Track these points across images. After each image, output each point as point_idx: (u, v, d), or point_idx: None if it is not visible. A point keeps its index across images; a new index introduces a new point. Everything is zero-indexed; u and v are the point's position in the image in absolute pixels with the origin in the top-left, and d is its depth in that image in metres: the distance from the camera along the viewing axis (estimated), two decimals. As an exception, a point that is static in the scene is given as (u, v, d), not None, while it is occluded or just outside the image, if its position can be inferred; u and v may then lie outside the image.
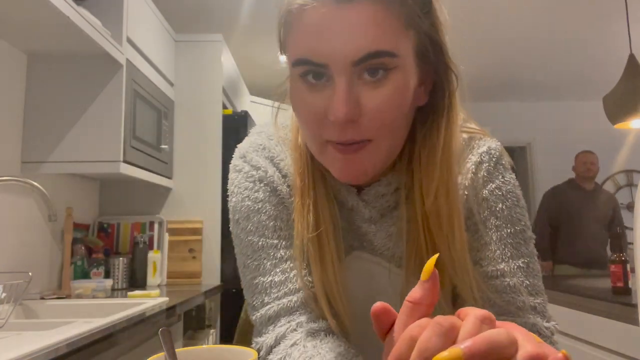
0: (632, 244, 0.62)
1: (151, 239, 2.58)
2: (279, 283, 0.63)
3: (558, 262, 3.66)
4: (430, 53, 0.57)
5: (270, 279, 0.63)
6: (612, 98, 2.58)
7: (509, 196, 0.65)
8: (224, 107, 2.91)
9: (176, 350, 0.45)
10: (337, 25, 0.51)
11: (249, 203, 0.66)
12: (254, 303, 0.64)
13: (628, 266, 1.95)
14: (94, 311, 1.73)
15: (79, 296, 1.91)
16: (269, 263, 0.63)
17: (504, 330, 0.32)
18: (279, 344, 0.60)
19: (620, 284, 1.94)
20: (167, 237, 2.61)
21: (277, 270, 0.63)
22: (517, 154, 5.69)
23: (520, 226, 0.65)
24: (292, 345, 0.59)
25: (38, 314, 1.75)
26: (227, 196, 0.70)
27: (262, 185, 0.66)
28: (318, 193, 0.63)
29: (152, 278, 2.40)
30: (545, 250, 3.64)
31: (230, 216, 0.69)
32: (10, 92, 1.86)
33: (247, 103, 3.88)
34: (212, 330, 2.49)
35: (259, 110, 3.99)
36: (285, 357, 0.58)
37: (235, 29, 3.46)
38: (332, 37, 0.51)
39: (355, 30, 0.50)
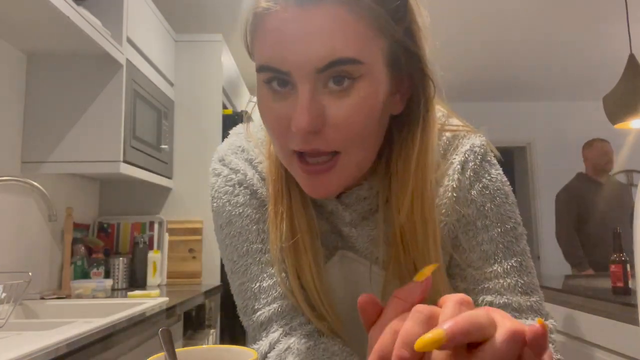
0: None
1: (151, 239, 2.58)
2: (267, 288, 0.62)
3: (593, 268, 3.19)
4: (402, 60, 0.54)
5: (258, 284, 0.62)
6: (612, 98, 2.58)
7: (496, 194, 0.64)
8: (224, 107, 2.91)
9: (176, 350, 0.45)
10: (300, 31, 0.48)
11: (230, 208, 0.65)
12: (245, 309, 0.64)
13: (628, 266, 1.95)
14: (94, 311, 1.73)
15: (79, 296, 1.91)
16: (255, 268, 0.63)
17: (483, 311, 0.33)
18: (273, 348, 0.59)
19: (620, 284, 1.94)
20: (167, 237, 2.60)
21: (265, 275, 0.62)
22: (517, 154, 5.69)
23: (511, 224, 0.64)
24: (285, 350, 0.58)
25: (38, 314, 1.75)
26: None
27: (242, 188, 0.65)
28: (293, 200, 0.61)
29: (152, 278, 2.40)
30: (580, 258, 3.21)
31: (214, 222, 0.68)
32: (10, 92, 1.86)
33: (247, 103, 3.88)
34: (212, 330, 2.49)
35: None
36: None
37: (235, 29, 3.44)
38: (295, 43, 0.49)
39: (318, 36, 0.48)
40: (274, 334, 0.60)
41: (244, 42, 0.57)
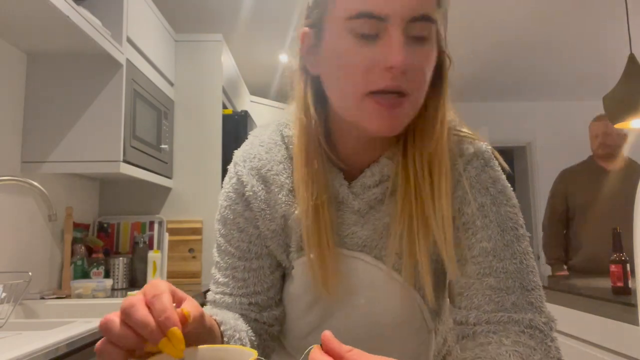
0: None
1: (151, 238, 2.58)
2: (221, 284, 0.73)
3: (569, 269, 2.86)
4: (440, 34, 0.64)
5: (218, 275, 0.74)
6: (612, 98, 2.58)
7: (498, 196, 0.67)
8: (224, 107, 2.91)
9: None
10: None
11: (228, 212, 0.74)
12: (210, 282, 0.77)
13: (628, 266, 1.95)
14: (94, 311, 1.73)
15: (79, 296, 1.91)
16: (223, 264, 0.74)
17: None
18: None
19: (620, 284, 1.93)
20: (167, 237, 2.60)
21: (226, 272, 0.73)
22: (517, 154, 5.69)
23: (511, 224, 0.66)
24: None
25: (38, 314, 1.75)
26: None
27: (242, 200, 0.73)
28: (319, 168, 0.68)
29: (152, 278, 2.40)
30: (555, 257, 2.85)
31: (217, 211, 0.77)
32: (10, 92, 1.86)
33: (247, 103, 3.88)
34: (212, 330, 2.49)
35: (259, 110, 4.00)
36: None
37: (235, 29, 3.46)
38: None
39: None
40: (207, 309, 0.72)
41: None
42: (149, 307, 0.44)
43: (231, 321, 0.64)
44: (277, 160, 0.72)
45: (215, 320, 0.61)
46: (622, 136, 2.80)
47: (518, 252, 0.65)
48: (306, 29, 0.65)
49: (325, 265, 0.66)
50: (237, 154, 0.76)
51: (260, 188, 0.72)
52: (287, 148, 0.73)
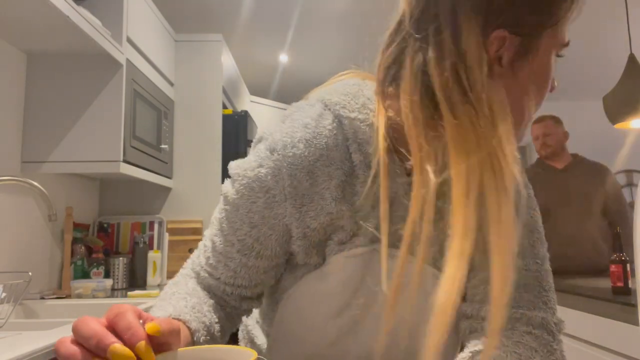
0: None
1: (151, 238, 2.58)
2: (211, 265, 0.69)
3: None
4: None
5: (209, 253, 0.69)
6: (612, 98, 2.58)
7: (528, 199, 0.69)
8: (224, 107, 2.91)
9: (177, 350, 0.45)
10: None
11: (244, 202, 0.64)
12: (199, 249, 0.72)
13: (628, 266, 1.95)
14: (94, 311, 1.73)
15: (79, 296, 1.91)
16: (219, 246, 0.67)
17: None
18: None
19: (620, 284, 1.94)
20: (167, 236, 2.61)
21: (219, 257, 0.68)
22: (517, 154, 5.68)
23: (538, 227, 0.68)
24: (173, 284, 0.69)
25: (38, 314, 1.75)
26: None
27: (266, 196, 0.63)
28: (390, 172, 0.64)
29: (152, 278, 2.40)
30: None
31: (227, 186, 0.67)
32: (10, 92, 1.86)
33: (247, 103, 3.88)
34: (212, 330, 2.49)
35: (259, 110, 4.00)
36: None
37: (235, 29, 3.46)
38: None
39: None
40: (189, 278, 0.71)
41: (556, 9, 0.61)
42: (112, 327, 0.42)
43: (204, 323, 0.62)
44: (328, 145, 0.62)
45: (187, 326, 0.59)
46: (562, 135, 2.83)
47: (541, 253, 0.67)
48: (512, 35, 0.58)
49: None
50: (276, 138, 0.63)
51: (301, 182, 0.62)
52: (343, 131, 0.63)
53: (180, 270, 0.73)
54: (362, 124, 0.62)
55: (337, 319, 0.67)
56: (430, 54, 0.57)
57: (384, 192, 0.60)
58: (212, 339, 0.62)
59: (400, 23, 0.62)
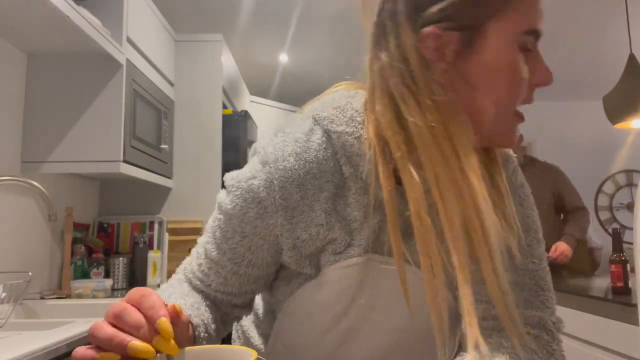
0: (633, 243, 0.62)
1: (151, 238, 2.58)
2: (202, 272, 0.69)
3: None
4: None
5: (202, 260, 0.70)
6: (612, 98, 2.58)
7: (525, 199, 0.70)
8: (224, 107, 2.91)
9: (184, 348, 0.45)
10: None
11: (237, 211, 0.65)
12: (192, 254, 0.73)
13: (628, 266, 1.95)
14: (94, 311, 1.73)
15: (79, 296, 1.91)
16: (211, 253, 0.68)
17: None
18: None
19: (620, 284, 1.94)
20: (167, 237, 2.61)
21: (211, 264, 0.69)
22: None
23: (535, 227, 0.69)
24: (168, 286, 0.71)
25: (38, 314, 1.75)
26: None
27: (257, 207, 0.64)
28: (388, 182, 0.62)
29: (152, 278, 2.40)
30: None
31: (226, 194, 0.68)
32: (10, 92, 1.86)
33: (247, 103, 3.88)
34: (212, 330, 2.49)
35: (259, 110, 4.00)
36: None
37: (235, 29, 3.46)
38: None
39: None
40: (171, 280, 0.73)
41: (484, 5, 0.57)
42: (137, 308, 0.45)
43: (203, 321, 0.63)
44: (318, 159, 0.63)
45: (190, 321, 0.60)
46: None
47: (538, 253, 0.67)
48: (447, 31, 0.56)
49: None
50: (268, 151, 0.65)
51: (291, 194, 0.63)
52: (332, 145, 0.63)
53: (173, 275, 0.75)
54: (349, 137, 0.62)
55: (334, 328, 0.68)
56: (383, 59, 0.58)
57: (389, 203, 0.59)
58: (209, 337, 0.63)
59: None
